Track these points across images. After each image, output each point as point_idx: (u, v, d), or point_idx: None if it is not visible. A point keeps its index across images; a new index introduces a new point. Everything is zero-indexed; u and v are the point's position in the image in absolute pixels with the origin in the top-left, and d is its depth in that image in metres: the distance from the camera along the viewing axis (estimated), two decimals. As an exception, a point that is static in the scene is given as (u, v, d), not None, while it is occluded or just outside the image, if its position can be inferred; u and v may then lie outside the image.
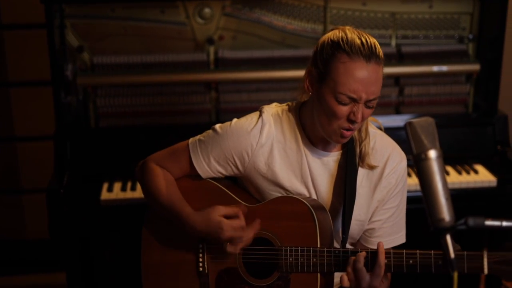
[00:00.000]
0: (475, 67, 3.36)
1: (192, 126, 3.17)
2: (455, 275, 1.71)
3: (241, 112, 3.17)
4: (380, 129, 2.36)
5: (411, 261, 2.08)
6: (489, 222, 1.76)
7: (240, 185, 2.41)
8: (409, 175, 3.12)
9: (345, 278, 2.12)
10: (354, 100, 2.08)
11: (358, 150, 2.26)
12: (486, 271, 2.01)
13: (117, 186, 3.05)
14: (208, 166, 2.29)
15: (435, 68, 3.33)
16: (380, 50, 2.11)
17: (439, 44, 3.41)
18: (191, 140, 2.32)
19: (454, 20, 3.40)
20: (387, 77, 3.34)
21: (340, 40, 2.09)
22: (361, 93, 2.06)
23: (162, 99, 3.22)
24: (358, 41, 2.08)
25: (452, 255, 1.72)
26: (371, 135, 2.29)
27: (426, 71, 3.35)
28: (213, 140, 2.28)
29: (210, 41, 3.24)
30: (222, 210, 2.22)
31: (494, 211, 3.17)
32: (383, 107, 3.34)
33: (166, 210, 2.29)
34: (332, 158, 2.28)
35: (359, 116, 2.09)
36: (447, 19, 3.40)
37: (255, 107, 3.11)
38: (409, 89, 3.36)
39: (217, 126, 2.30)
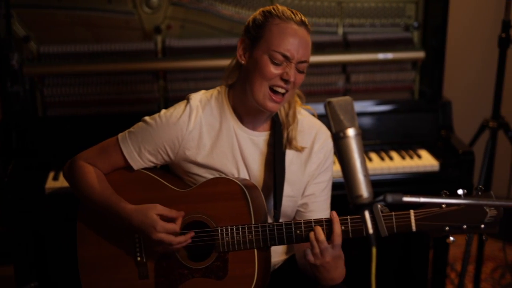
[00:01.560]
0: (420, 54, 3.41)
1: (140, 115, 3.11)
2: (374, 250, 1.75)
3: (189, 100, 3.22)
4: (313, 116, 2.43)
5: (343, 227, 2.16)
6: (407, 198, 1.79)
7: (172, 173, 2.44)
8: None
9: (310, 253, 2.17)
10: (287, 59, 2.18)
11: (285, 134, 2.34)
12: (414, 228, 2.11)
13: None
14: (139, 156, 2.33)
15: (381, 56, 3.38)
16: (309, 24, 2.25)
17: (385, 32, 3.46)
18: (120, 134, 2.38)
19: (400, 8, 3.45)
20: (334, 65, 3.40)
21: (272, 9, 2.25)
22: (293, 52, 2.18)
23: (110, 88, 3.24)
24: (289, 12, 2.24)
25: (371, 230, 1.76)
26: (298, 120, 2.37)
27: (372, 59, 3.39)
28: (143, 131, 2.33)
29: (158, 30, 3.25)
30: (160, 209, 2.25)
31: (435, 194, 3.22)
32: (330, 94, 3.38)
33: (100, 205, 2.32)
34: (262, 137, 2.35)
35: (292, 74, 2.19)
36: (392, 7, 3.45)
37: (202, 95, 3.14)
38: (356, 77, 3.41)
39: (146, 117, 2.36)
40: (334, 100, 1.80)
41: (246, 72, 2.27)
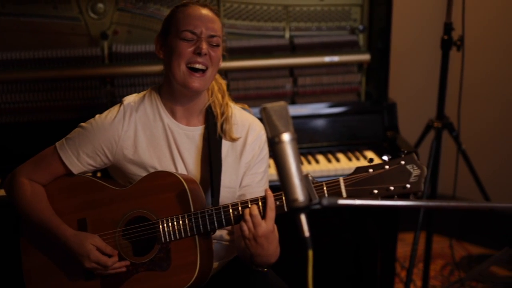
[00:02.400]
0: (366, 57, 3.46)
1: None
2: (310, 253, 1.78)
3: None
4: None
5: (278, 203, 2.23)
6: (342, 201, 1.84)
7: (112, 177, 2.48)
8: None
9: (245, 226, 2.21)
10: (196, 35, 2.29)
11: (219, 124, 2.40)
12: (344, 194, 2.20)
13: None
14: (78, 161, 2.37)
15: (327, 59, 3.42)
16: (216, 9, 2.41)
17: (331, 35, 3.50)
18: (57, 142, 2.42)
19: (345, 11, 3.50)
20: (281, 68, 3.43)
21: (178, 4, 2.39)
22: (201, 27, 2.30)
23: (57, 94, 3.22)
24: (194, 1, 2.38)
25: (307, 233, 1.78)
26: (232, 112, 2.45)
27: (319, 62, 3.43)
28: (80, 135, 2.38)
29: (104, 35, 3.25)
30: (98, 241, 2.32)
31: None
32: (278, 97, 3.42)
33: (39, 226, 2.37)
34: (197, 132, 2.41)
35: (203, 47, 2.28)
36: (338, 11, 3.49)
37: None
38: (303, 80, 3.45)
39: (82, 123, 2.42)
40: (269, 105, 1.83)
41: (166, 63, 2.37)
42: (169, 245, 2.30)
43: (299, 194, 1.79)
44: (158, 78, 3.28)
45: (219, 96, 2.46)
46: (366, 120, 3.42)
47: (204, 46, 2.29)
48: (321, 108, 3.41)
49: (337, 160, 3.26)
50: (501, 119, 4.31)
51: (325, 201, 1.81)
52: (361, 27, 3.49)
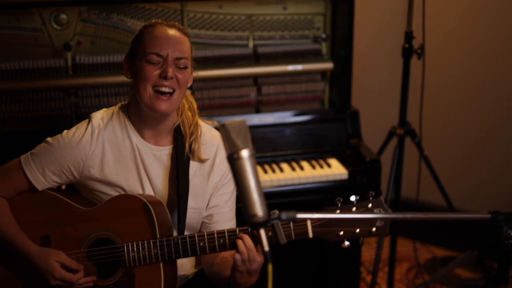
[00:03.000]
0: (329, 65, 3.50)
1: (52, 132, 3.16)
2: (270, 267, 1.81)
3: (102, 116, 3.23)
4: (217, 129, 2.48)
5: (221, 241, 2.24)
6: (300, 215, 1.87)
7: (78, 192, 2.47)
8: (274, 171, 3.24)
9: (239, 261, 2.20)
10: (162, 58, 2.27)
11: (187, 145, 2.39)
12: (311, 235, 2.21)
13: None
14: (43, 177, 2.36)
15: (291, 67, 3.45)
16: (184, 28, 2.37)
17: (294, 44, 3.53)
18: (22, 156, 2.39)
19: (308, 20, 3.53)
20: (245, 77, 3.45)
21: (146, 24, 2.38)
22: (167, 50, 2.27)
23: (20, 106, 3.21)
24: (161, 21, 2.36)
25: (267, 247, 1.82)
26: (202, 132, 2.44)
27: (282, 71, 3.47)
28: (46, 152, 2.36)
29: (67, 46, 3.24)
30: (62, 258, 2.30)
31: (347, 202, 3.32)
32: (243, 106, 3.45)
33: (3, 241, 2.35)
34: (164, 152, 2.40)
35: (169, 70, 2.26)
36: (301, 19, 3.52)
37: (115, 110, 3.14)
38: (267, 88, 3.48)
39: (49, 138, 2.39)
40: (228, 122, 1.85)
41: (134, 85, 2.35)
42: (133, 270, 2.30)
43: (258, 209, 1.81)
44: (122, 89, 3.29)
45: (189, 114, 2.44)
46: (329, 128, 3.46)
47: (170, 69, 2.26)
48: (285, 116, 3.44)
49: (301, 168, 3.29)
50: (462, 124, 4.38)
51: (283, 216, 1.85)
52: (324, 35, 3.52)
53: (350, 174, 3.27)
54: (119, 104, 2.46)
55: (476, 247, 3.98)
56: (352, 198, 2.19)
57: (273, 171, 3.27)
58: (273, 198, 3.16)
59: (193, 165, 2.42)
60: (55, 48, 3.28)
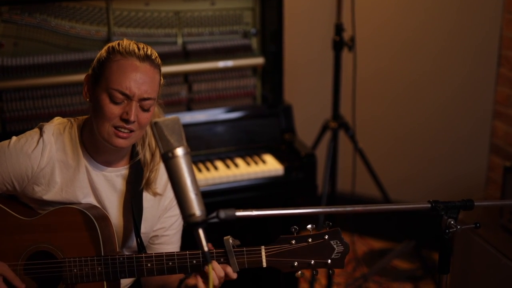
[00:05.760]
0: (259, 60, 3.47)
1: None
2: (210, 267, 1.77)
3: (28, 120, 3.13)
4: None
5: (170, 263, 2.14)
6: (239, 213, 1.83)
7: (19, 199, 2.33)
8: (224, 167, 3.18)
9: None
10: (127, 97, 2.09)
11: (146, 174, 2.28)
12: (264, 264, 2.13)
13: None
14: None
15: (221, 64, 3.40)
16: (157, 58, 2.18)
17: (224, 40, 3.48)
18: None
19: (237, 15, 3.49)
20: (175, 75, 3.39)
21: (116, 44, 2.14)
22: (134, 89, 2.09)
23: None
24: (134, 46, 2.13)
25: (206, 248, 1.77)
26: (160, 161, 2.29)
27: (213, 67, 3.41)
28: None
29: (-11, 49, 3.13)
30: (5, 270, 2.17)
31: (282, 198, 3.30)
32: (174, 105, 3.38)
33: None
34: (116, 173, 2.27)
35: (132, 114, 2.09)
36: (230, 15, 3.48)
37: (42, 113, 3.05)
38: (198, 86, 3.42)
39: None
40: (160, 120, 1.80)
41: (92, 111, 2.17)
42: (75, 286, 2.19)
43: (196, 209, 1.77)
44: (49, 91, 3.18)
45: (153, 142, 2.29)
46: (263, 123, 3.43)
47: (133, 113, 2.09)
48: (218, 113, 3.39)
49: (236, 165, 3.25)
50: (395, 118, 4.42)
51: (222, 214, 1.80)
52: (253, 30, 3.49)
53: (285, 169, 3.25)
54: (72, 119, 2.28)
55: (412, 238, 4.02)
56: (309, 226, 2.11)
57: (208, 169, 3.22)
58: (209, 197, 3.10)
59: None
60: (-25, 51, 3.16)
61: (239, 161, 3.30)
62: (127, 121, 2.10)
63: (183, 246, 2.44)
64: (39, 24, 3.20)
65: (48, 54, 3.22)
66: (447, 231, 1.92)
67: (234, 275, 2.13)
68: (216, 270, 2.09)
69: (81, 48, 3.29)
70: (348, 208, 1.97)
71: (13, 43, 3.20)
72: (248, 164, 3.27)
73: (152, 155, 2.29)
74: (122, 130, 2.12)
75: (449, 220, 1.91)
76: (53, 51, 3.25)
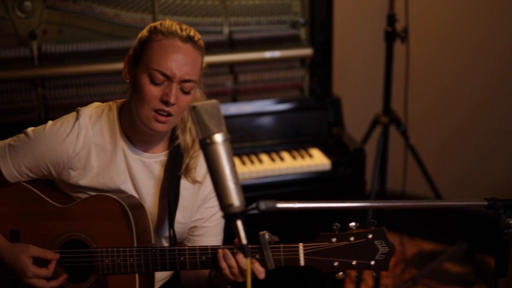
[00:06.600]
0: (308, 51, 3.36)
1: (19, 125, 3.00)
2: (249, 261, 1.67)
3: (70, 108, 3.04)
4: None
5: (203, 257, 2.05)
6: (281, 205, 1.72)
7: (55, 184, 2.28)
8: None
9: (229, 273, 2.02)
10: (167, 78, 2.03)
11: (186, 161, 2.20)
12: (302, 262, 2.01)
13: None
14: (18, 173, 2.17)
15: (268, 54, 3.31)
16: (200, 39, 2.10)
17: (271, 30, 3.39)
18: None
19: (286, 5, 3.39)
20: (221, 65, 3.31)
21: (158, 24, 2.09)
22: (175, 70, 2.02)
23: (-17, 98, 3.05)
24: (177, 26, 2.07)
25: (244, 240, 1.68)
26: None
27: (259, 58, 3.32)
28: (25, 145, 2.15)
29: (33, 35, 3.08)
30: (33, 251, 2.12)
31: (328, 194, 3.19)
32: (218, 95, 3.29)
33: None
34: (155, 160, 2.20)
35: (172, 95, 2.02)
36: (278, 4, 3.38)
37: (85, 102, 3.00)
38: (244, 76, 3.33)
39: (30, 130, 2.17)
40: (199, 104, 1.70)
41: (132, 92, 2.11)
42: (106, 277, 2.12)
43: (235, 199, 1.67)
44: (92, 79, 3.13)
45: (193, 129, 2.20)
46: (310, 116, 3.32)
47: (173, 93, 2.02)
48: (264, 105, 3.29)
49: (282, 159, 3.14)
50: (449, 112, 4.26)
51: (262, 206, 1.70)
52: (302, 20, 3.38)
53: (333, 164, 3.14)
54: (111, 103, 2.21)
55: (465, 240, 3.87)
56: (352, 224, 1.98)
57: (252, 162, 3.12)
58: (252, 191, 3.00)
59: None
60: (19, 37, 3.12)
61: (284, 154, 3.19)
62: (167, 103, 2.03)
63: (226, 241, 2.34)
64: (83, 11, 3.15)
65: (92, 42, 3.17)
66: (505, 231, 1.77)
67: (261, 274, 2.00)
68: (240, 262, 2.00)
69: (125, 36, 3.23)
70: (398, 203, 1.84)
71: (57, 30, 3.16)
72: (294, 157, 3.16)
73: (193, 140, 2.21)
74: (161, 113, 2.04)
75: (508, 219, 1.77)
76: (97, 38, 3.20)
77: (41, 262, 2.12)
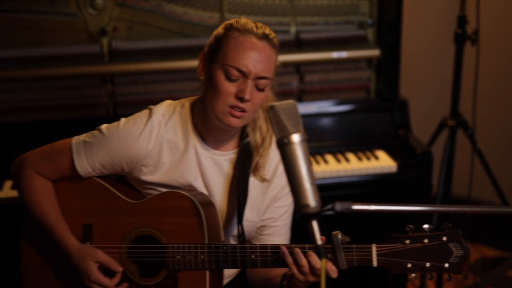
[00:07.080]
0: (375, 52, 3.34)
1: (88, 120, 3.08)
2: (323, 261, 1.66)
3: (138, 105, 3.11)
4: None
5: (275, 255, 2.04)
6: (356, 207, 1.71)
7: (127, 181, 2.31)
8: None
9: (298, 272, 2.01)
10: (243, 74, 2.03)
11: (255, 159, 2.20)
12: (375, 263, 1.99)
13: (8, 184, 2.95)
14: (92, 169, 2.20)
15: (335, 54, 3.29)
16: (274, 37, 2.10)
17: (339, 30, 3.37)
18: (74, 140, 2.21)
19: (353, 5, 3.37)
20: (287, 64, 3.31)
21: (234, 22, 2.10)
22: (250, 67, 2.03)
23: (55, 93, 3.11)
24: (252, 24, 2.08)
25: (319, 241, 1.67)
26: (270, 145, 2.23)
27: (326, 58, 3.31)
28: (100, 144, 2.18)
29: (103, 32, 3.13)
30: (100, 257, 2.17)
31: (393, 197, 3.15)
32: (284, 95, 3.28)
33: (44, 227, 2.22)
34: (225, 157, 2.21)
35: (247, 92, 2.03)
36: (346, 4, 3.36)
37: (153, 99, 3.04)
38: (310, 76, 3.32)
39: (104, 127, 2.20)
40: (277, 104, 1.70)
41: (206, 89, 2.12)
42: (177, 273, 2.14)
43: (311, 199, 1.66)
44: (160, 76, 3.17)
45: (264, 126, 2.21)
46: (376, 118, 3.29)
47: (248, 92, 2.02)
48: (329, 106, 3.28)
49: (347, 160, 3.13)
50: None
51: (338, 207, 1.69)
52: (370, 21, 3.36)
53: (399, 167, 3.10)
54: (183, 100, 2.24)
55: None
56: (425, 226, 1.96)
57: (317, 163, 3.11)
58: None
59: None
60: (90, 34, 3.18)
61: (350, 155, 3.17)
62: (241, 99, 2.03)
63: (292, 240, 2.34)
64: (153, 9, 3.19)
65: (161, 39, 3.21)
66: None
67: (334, 273, 1.99)
68: (312, 262, 1.99)
69: (193, 34, 3.26)
70: (466, 208, 1.82)
71: (127, 27, 3.21)
72: (359, 159, 3.14)
73: (263, 139, 2.21)
74: (236, 109, 2.05)
75: None
76: (166, 36, 3.24)
77: (105, 270, 2.17)
